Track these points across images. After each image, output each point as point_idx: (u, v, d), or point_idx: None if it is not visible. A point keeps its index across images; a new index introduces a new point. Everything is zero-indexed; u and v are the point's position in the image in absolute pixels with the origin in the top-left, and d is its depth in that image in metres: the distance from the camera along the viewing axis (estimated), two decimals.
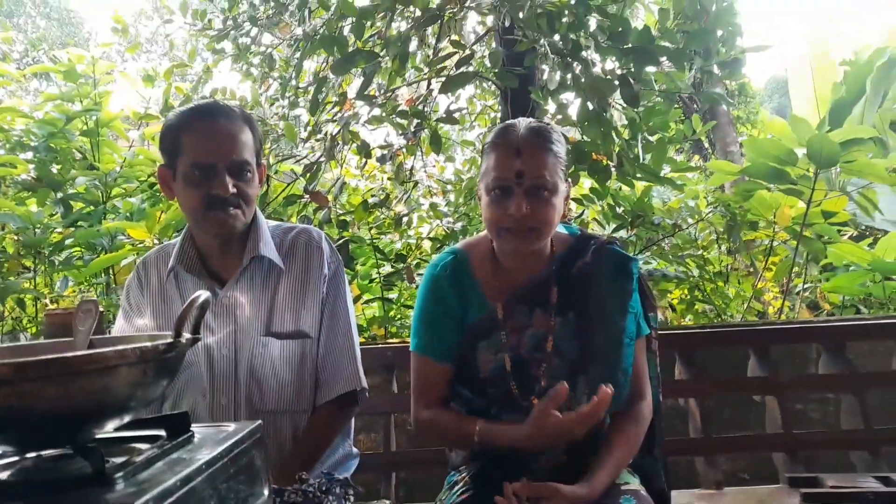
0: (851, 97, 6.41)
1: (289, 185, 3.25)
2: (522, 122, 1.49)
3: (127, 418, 0.87)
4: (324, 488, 1.13)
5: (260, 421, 1.07)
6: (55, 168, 3.47)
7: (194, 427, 0.99)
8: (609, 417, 1.55)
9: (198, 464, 0.83)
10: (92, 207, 3.46)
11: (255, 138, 1.60)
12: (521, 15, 2.95)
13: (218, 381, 1.55)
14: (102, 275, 3.38)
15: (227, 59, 4.07)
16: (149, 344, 0.82)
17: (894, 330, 2.36)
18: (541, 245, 1.52)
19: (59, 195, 3.40)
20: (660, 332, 1.73)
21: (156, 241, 2.89)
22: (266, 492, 1.05)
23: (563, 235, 1.62)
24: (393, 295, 3.59)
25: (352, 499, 1.19)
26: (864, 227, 4.80)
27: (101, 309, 0.99)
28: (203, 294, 0.89)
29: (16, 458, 0.86)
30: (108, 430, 0.86)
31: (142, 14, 15.21)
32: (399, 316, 3.58)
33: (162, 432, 0.95)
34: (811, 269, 4.13)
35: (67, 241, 3.26)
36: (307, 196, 3.24)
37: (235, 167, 1.53)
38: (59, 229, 3.34)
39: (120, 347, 0.77)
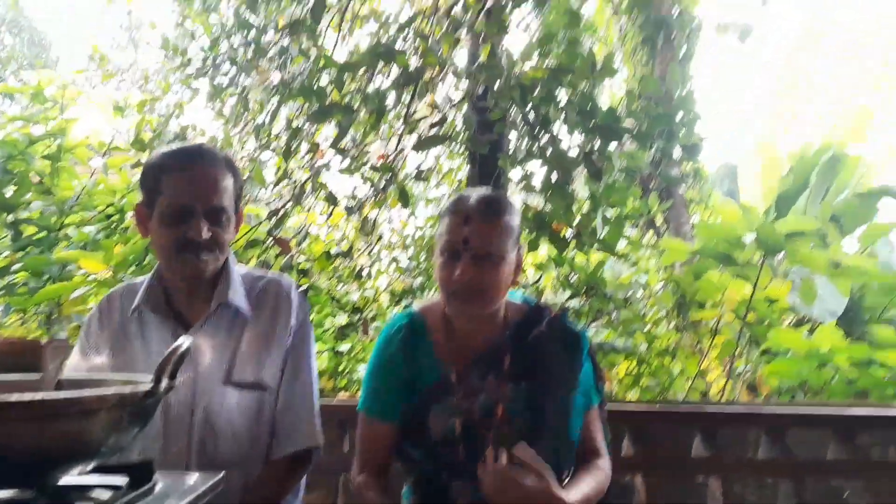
0: (797, 188, 6.78)
1: (253, 228, 3.23)
2: (476, 193, 1.54)
3: (93, 464, 0.84)
4: None
5: (222, 472, 1.05)
6: (10, 190, 3.37)
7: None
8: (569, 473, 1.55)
9: None
10: (44, 233, 3.35)
11: (235, 184, 1.60)
12: (496, 85, 3.06)
13: (172, 427, 1.50)
14: (45, 305, 3.26)
15: (200, 96, 4.08)
16: (128, 389, 0.81)
17: (832, 420, 2.45)
18: (488, 310, 1.54)
19: (11, 218, 3.29)
20: (610, 409, 1.76)
21: (110, 275, 2.81)
22: None
23: (517, 304, 1.65)
24: (346, 346, 3.56)
25: None
26: (803, 316, 4.99)
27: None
28: (186, 342, 0.89)
29: None
30: (74, 474, 0.84)
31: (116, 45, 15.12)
32: (348, 370, 3.54)
33: (124, 479, 0.92)
34: (752, 351, 4.27)
35: (14, 267, 3.14)
36: (270, 240, 3.22)
37: (213, 212, 1.52)
38: (6, 254, 3.23)
39: (100, 391, 0.76)
